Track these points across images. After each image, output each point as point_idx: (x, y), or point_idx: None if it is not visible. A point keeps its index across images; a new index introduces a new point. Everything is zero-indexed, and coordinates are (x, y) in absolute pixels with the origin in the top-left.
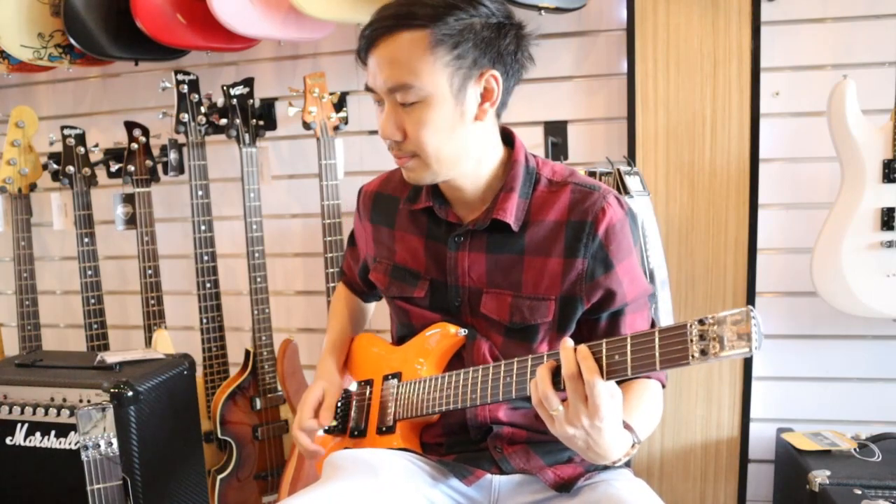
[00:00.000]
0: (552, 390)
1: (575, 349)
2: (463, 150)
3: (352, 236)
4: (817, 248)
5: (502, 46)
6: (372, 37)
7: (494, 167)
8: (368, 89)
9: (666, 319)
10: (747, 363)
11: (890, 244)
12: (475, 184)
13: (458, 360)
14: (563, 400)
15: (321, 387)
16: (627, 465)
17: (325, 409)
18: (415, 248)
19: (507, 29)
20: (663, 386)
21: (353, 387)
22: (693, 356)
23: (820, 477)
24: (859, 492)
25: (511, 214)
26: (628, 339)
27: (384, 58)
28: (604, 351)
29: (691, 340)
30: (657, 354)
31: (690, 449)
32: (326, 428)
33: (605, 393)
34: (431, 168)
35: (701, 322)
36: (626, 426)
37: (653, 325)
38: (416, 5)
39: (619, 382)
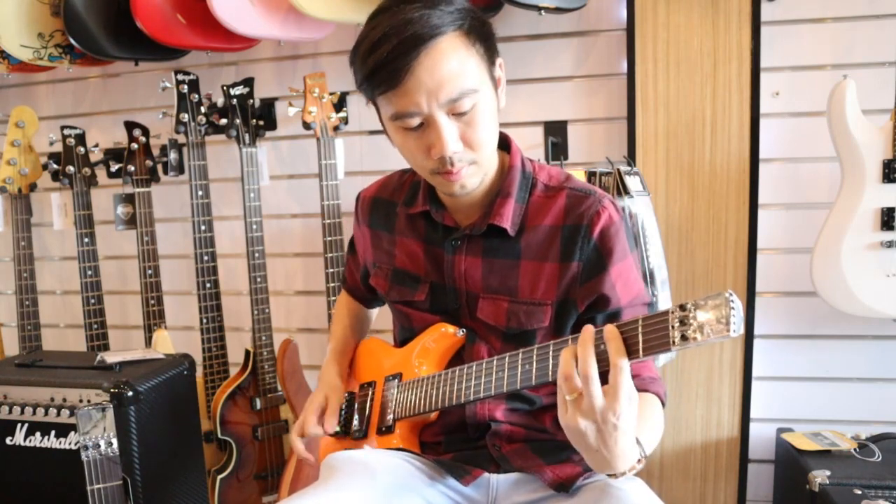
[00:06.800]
0: (575, 371)
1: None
2: (495, 142)
3: (352, 244)
4: (817, 248)
5: (490, 33)
6: (404, 61)
7: (494, 171)
8: (402, 117)
9: None
10: (747, 363)
11: (890, 244)
12: (478, 188)
13: (458, 361)
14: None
15: (324, 393)
16: None
17: (329, 416)
18: (414, 251)
19: (485, 19)
20: (663, 403)
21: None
22: (674, 342)
23: (820, 477)
24: (859, 492)
25: (508, 220)
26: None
27: (435, 73)
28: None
29: (672, 327)
30: (640, 342)
31: (690, 449)
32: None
33: (629, 385)
34: (483, 169)
35: (682, 308)
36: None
37: None
38: (433, 13)
39: None
